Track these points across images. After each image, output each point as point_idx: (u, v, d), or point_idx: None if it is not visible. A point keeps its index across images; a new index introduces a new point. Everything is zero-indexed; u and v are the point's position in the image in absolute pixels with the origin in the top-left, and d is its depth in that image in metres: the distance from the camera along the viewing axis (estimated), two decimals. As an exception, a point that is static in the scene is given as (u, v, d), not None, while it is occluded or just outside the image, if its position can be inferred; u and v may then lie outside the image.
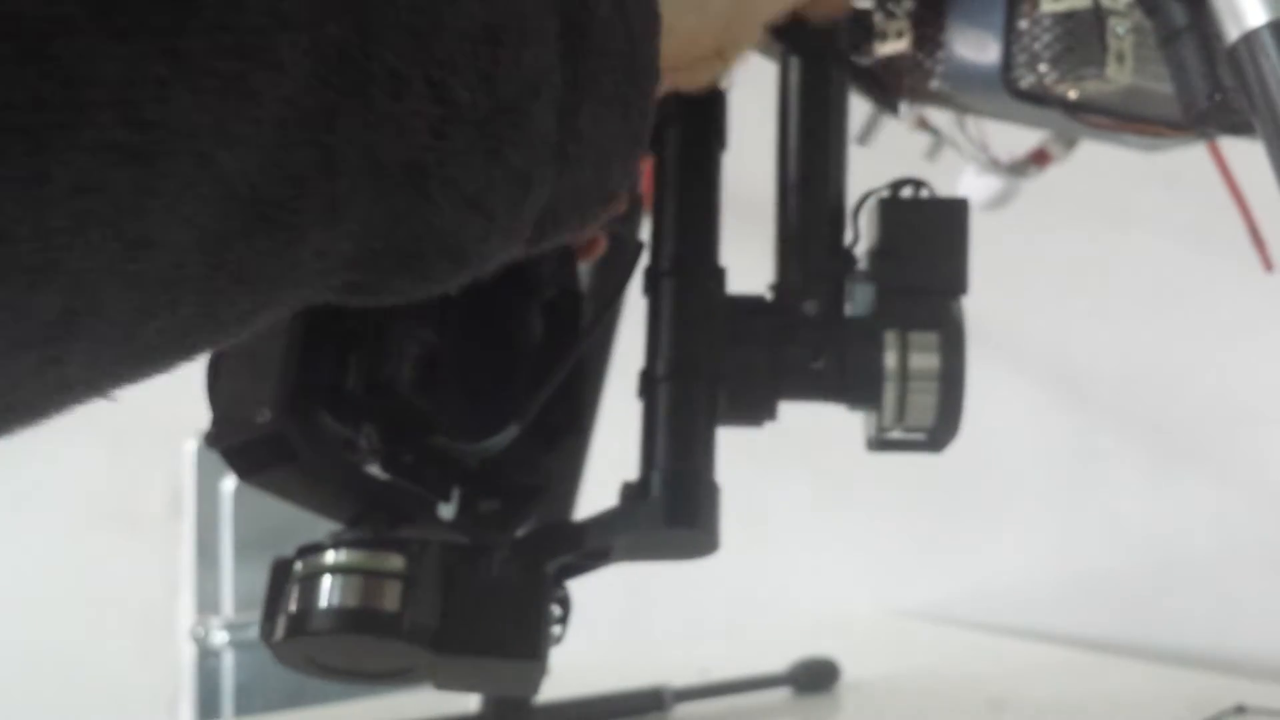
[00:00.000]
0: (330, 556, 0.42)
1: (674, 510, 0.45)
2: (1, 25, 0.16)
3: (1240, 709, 0.81)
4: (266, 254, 0.21)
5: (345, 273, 0.23)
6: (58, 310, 0.18)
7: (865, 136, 0.66)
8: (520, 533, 0.48)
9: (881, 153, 0.55)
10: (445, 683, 0.45)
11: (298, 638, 0.41)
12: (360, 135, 0.21)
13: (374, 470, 0.44)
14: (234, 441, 0.39)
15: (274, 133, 0.19)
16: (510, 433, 0.43)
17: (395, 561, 0.42)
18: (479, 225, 0.23)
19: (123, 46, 0.17)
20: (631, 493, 0.47)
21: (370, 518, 0.44)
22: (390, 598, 0.42)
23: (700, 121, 0.51)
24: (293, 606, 0.42)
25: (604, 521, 0.47)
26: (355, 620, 0.41)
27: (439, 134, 0.22)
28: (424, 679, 0.44)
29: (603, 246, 0.48)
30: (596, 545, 0.47)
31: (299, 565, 0.42)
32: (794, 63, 0.53)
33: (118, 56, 0.17)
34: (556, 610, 0.47)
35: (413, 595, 0.42)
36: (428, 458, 0.45)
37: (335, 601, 0.41)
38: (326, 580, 0.42)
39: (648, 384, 0.48)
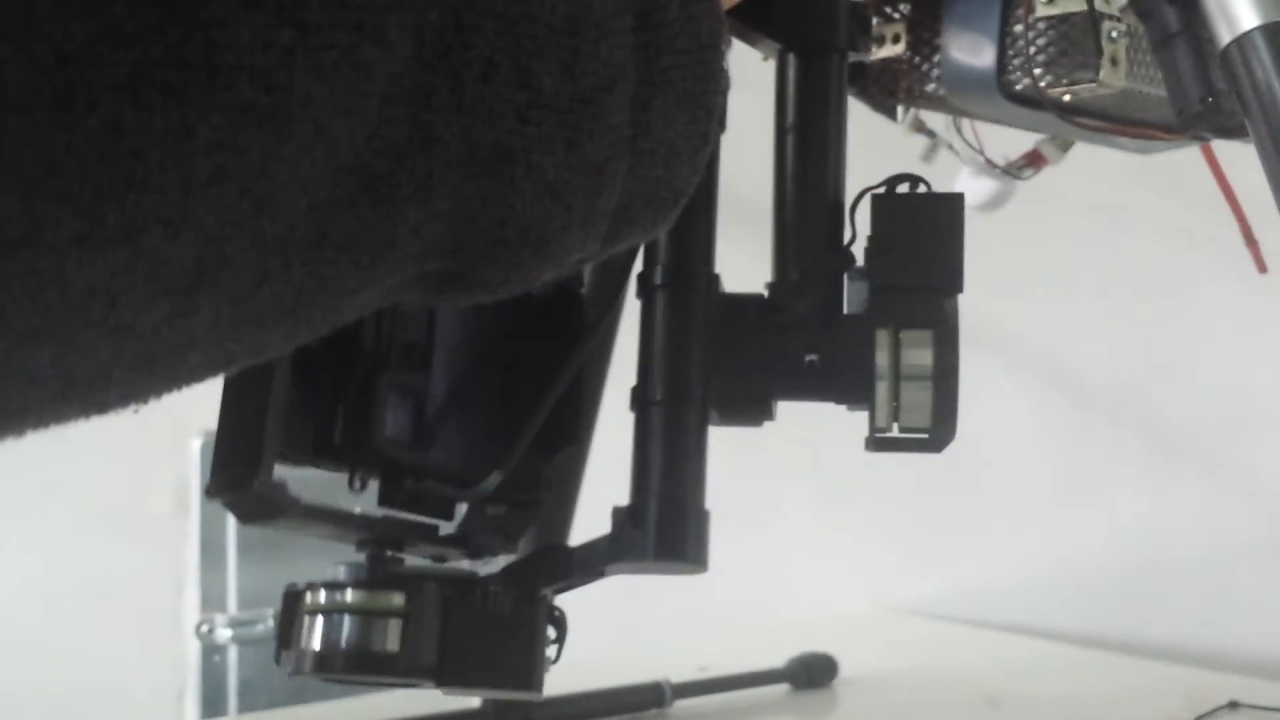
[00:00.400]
0: (330, 597, 0.44)
1: (665, 544, 0.46)
2: None
3: (1234, 704, 0.81)
4: (368, 225, 0.22)
5: (437, 258, 0.24)
6: (191, 260, 0.19)
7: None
8: (518, 540, 0.49)
9: (879, 155, 0.55)
10: (448, 688, 0.47)
11: (303, 675, 0.44)
12: (454, 116, 0.22)
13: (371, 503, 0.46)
14: (227, 498, 0.40)
15: (380, 107, 0.21)
16: (495, 479, 0.45)
17: (394, 600, 0.44)
18: (559, 214, 0.25)
19: (255, 13, 0.18)
20: (623, 519, 0.47)
21: (372, 549, 0.46)
22: (390, 638, 0.44)
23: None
24: (300, 643, 0.44)
25: (595, 550, 0.47)
26: (355, 662, 0.44)
27: (524, 119, 0.23)
28: (428, 684, 0.46)
29: None
30: (588, 573, 0.48)
31: (307, 598, 0.45)
32: (792, 59, 0.53)
33: (250, 23, 0.18)
34: (551, 633, 0.48)
35: (411, 633, 0.44)
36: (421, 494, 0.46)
37: (336, 643, 0.44)
38: (328, 620, 0.44)
39: (641, 405, 0.48)
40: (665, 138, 0.26)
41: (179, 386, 0.22)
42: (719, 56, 0.28)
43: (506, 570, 0.48)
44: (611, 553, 0.47)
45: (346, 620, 0.44)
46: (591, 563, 0.47)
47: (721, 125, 0.52)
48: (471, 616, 0.45)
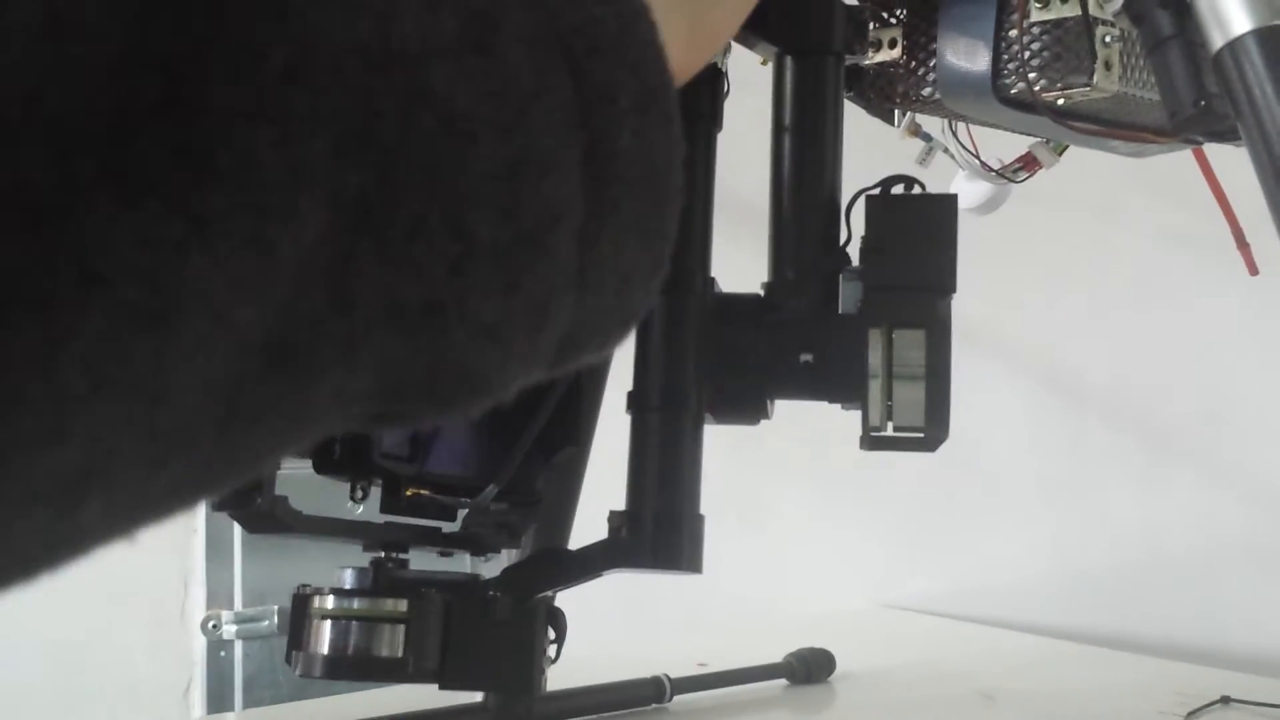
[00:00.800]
0: (337, 603, 0.46)
1: (660, 551, 0.47)
2: (11, 194, 0.15)
3: (1225, 699, 0.82)
4: (283, 396, 0.20)
5: (366, 404, 0.22)
6: (75, 466, 0.17)
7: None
8: (520, 537, 0.50)
9: (875, 158, 0.56)
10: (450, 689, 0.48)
11: (313, 677, 0.46)
12: (378, 276, 0.20)
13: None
14: (233, 513, 0.42)
15: (293, 278, 0.19)
16: (490, 492, 0.46)
17: (398, 607, 0.45)
18: (497, 354, 0.23)
19: (138, 210, 0.16)
20: (619, 524, 0.48)
21: (378, 552, 0.47)
22: (394, 643, 0.45)
23: (691, 102, 0.51)
24: (310, 646, 0.46)
25: (593, 555, 0.48)
26: (362, 666, 0.45)
27: (457, 270, 0.21)
28: (430, 679, 0.47)
29: None
30: (585, 576, 0.49)
31: (315, 602, 0.46)
32: (789, 62, 0.53)
33: (133, 220, 0.16)
34: (551, 634, 0.49)
35: (414, 639, 0.45)
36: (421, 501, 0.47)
37: (344, 647, 0.45)
38: (335, 626, 0.46)
39: (637, 409, 0.49)
40: (616, 267, 0.24)
41: (58, 570, 0.19)
42: (675, 179, 0.25)
43: (506, 574, 0.49)
44: (608, 557, 0.48)
45: (353, 626, 0.45)
46: (589, 567, 0.48)
47: (718, 125, 0.53)
48: (472, 622, 0.46)
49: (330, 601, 0.46)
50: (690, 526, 0.48)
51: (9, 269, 0.15)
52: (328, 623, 0.46)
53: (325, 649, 0.46)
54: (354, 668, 0.46)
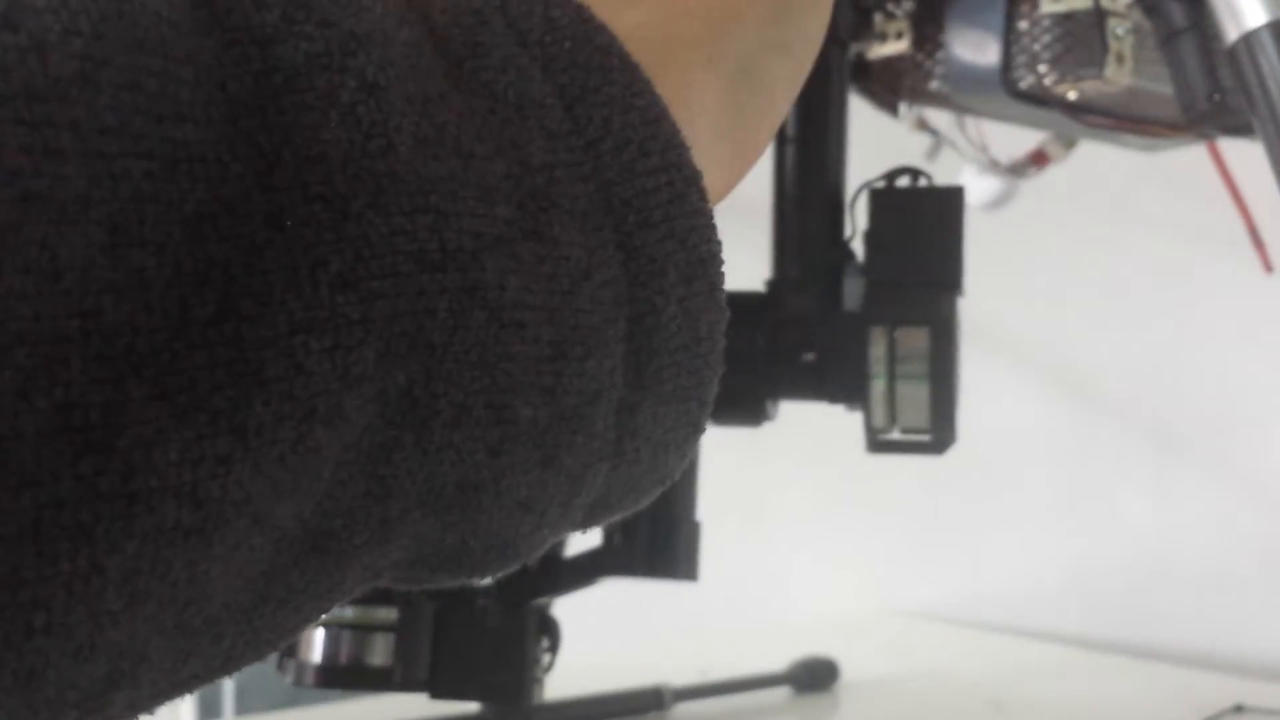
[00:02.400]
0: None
1: (655, 559, 0.47)
2: (60, 418, 0.15)
3: (1239, 708, 0.81)
4: (314, 579, 0.20)
5: (392, 573, 0.22)
6: (103, 673, 0.17)
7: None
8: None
9: (882, 153, 0.55)
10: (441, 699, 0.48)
11: (305, 685, 0.45)
12: (419, 465, 0.20)
13: None
14: None
15: (332, 473, 0.19)
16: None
17: (387, 614, 0.45)
18: (529, 524, 0.22)
19: (185, 429, 0.16)
20: (614, 531, 0.47)
21: None
22: (382, 652, 0.45)
23: None
24: (301, 654, 0.45)
25: (586, 562, 0.48)
26: (352, 675, 0.45)
27: (496, 453, 0.21)
28: (420, 688, 0.46)
29: None
30: (579, 584, 0.48)
31: None
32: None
33: (179, 439, 0.16)
34: (544, 642, 0.48)
35: (404, 647, 0.45)
36: None
37: (335, 656, 0.45)
38: (327, 633, 0.45)
39: None
40: (653, 436, 0.24)
41: None
42: (717, 347, 0.25)
43: (497, 581, 0.48)
44: (602, 565, 0.47)
45: (344, 634, 0.45)
46: (582, 574, 0.48)
47: None
48: (462, 630, 0.46)
49: None
50: (685, 533, 0.47)
51: (50, 501, 0.15)
52: (320, 630, 0.45)
53: (318, 657, 0.45)
54: (345, 676, 0.45)
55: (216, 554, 0.17)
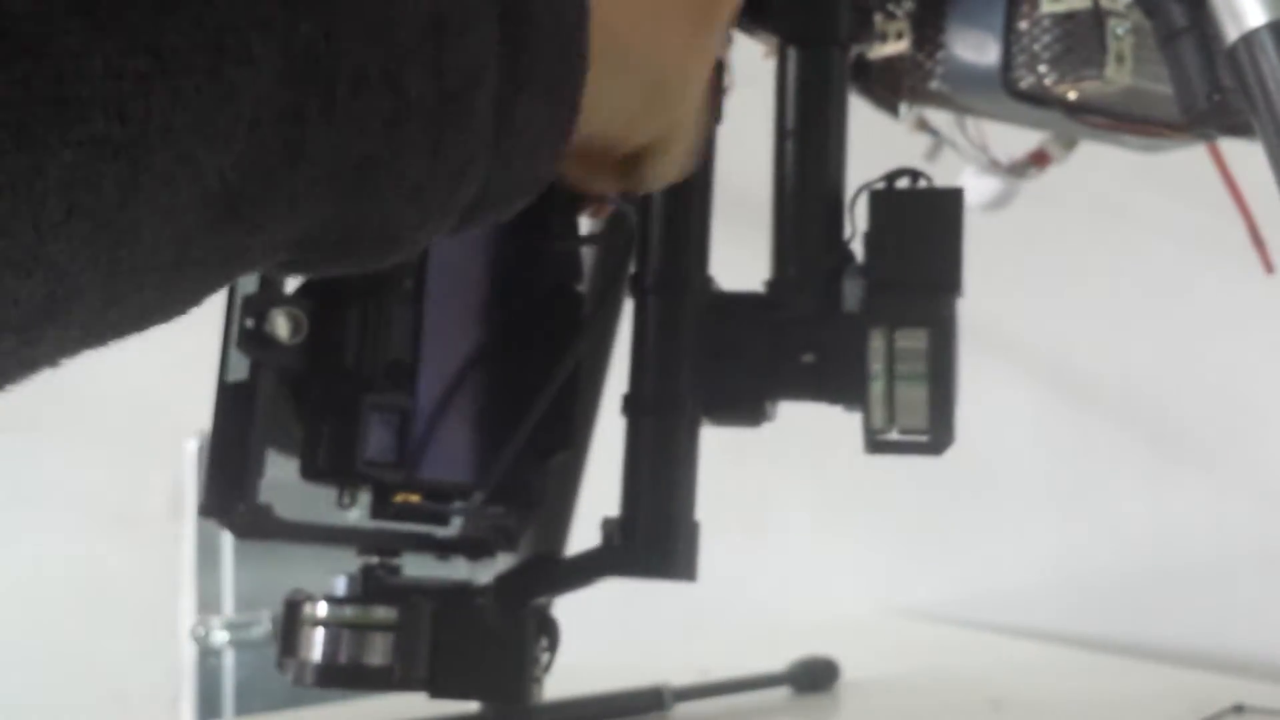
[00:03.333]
0: (327, 610, 0.46)
1: (653, 559, 0.47)
2: None
3: (1239, 708, 0.81)
4: (227, 245, 0.22)
5: (284, 253, 0.24)
6: (40, 297, 0.19)
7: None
8: (517, 540, 0.49)
9: (882, 153, 0.54)
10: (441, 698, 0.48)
11: (305, 685, 0.46)
12: (325, 131, 0.22)
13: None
14: (218, 519, 0.42)
15: (248, 130, 0.20)
16: (477, 499, 0.45)
17: (387, 614, 0.45)
18: (415, 215, 0.25)
19: (106, 41, 0.18)
20: (613, 531, 0.47)
21: (370, 557, 0.47)
22: (381, 651, 0.45)
23: None
24: (301, 654, 0.45)
25: (585, 562, 0.48)
26: (352, 675, 0.45)
27: (392, 124, 0.23)
28: (419, 688, 0.46)
29: (606, 211, 0.48)
30: (578, 584, 0.48)
31: (306, 610, 0.46)
32: (792, 53, 0.53)
33: (102, 52, 0.18)
34: (544, 641, 0.49)
35: (403, 647, 0.45)
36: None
37: (334, 655, 0.45)
38: (327, 633, 0.45)
39: (632, 413, 0.48)
40: (526, 135, 0.26)
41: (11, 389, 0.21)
42: (583, 46, 0.27)
43: (497, 581, 0.49)
44: (602, 565, 0.47)
45: (344, 634, 0.45)
46: (581, 574, 0.48)
47: (718, 118, 0.52)
48: (461, 629, 0.46)
49: (321, 609, 0.46)
50: (684, 533, 0.47)
51: None
52: (319, 630, 0.46)
53: (317, 657, 0.45)
54: (345, 676, 0.46)
55: (144, 185, 0.19)
